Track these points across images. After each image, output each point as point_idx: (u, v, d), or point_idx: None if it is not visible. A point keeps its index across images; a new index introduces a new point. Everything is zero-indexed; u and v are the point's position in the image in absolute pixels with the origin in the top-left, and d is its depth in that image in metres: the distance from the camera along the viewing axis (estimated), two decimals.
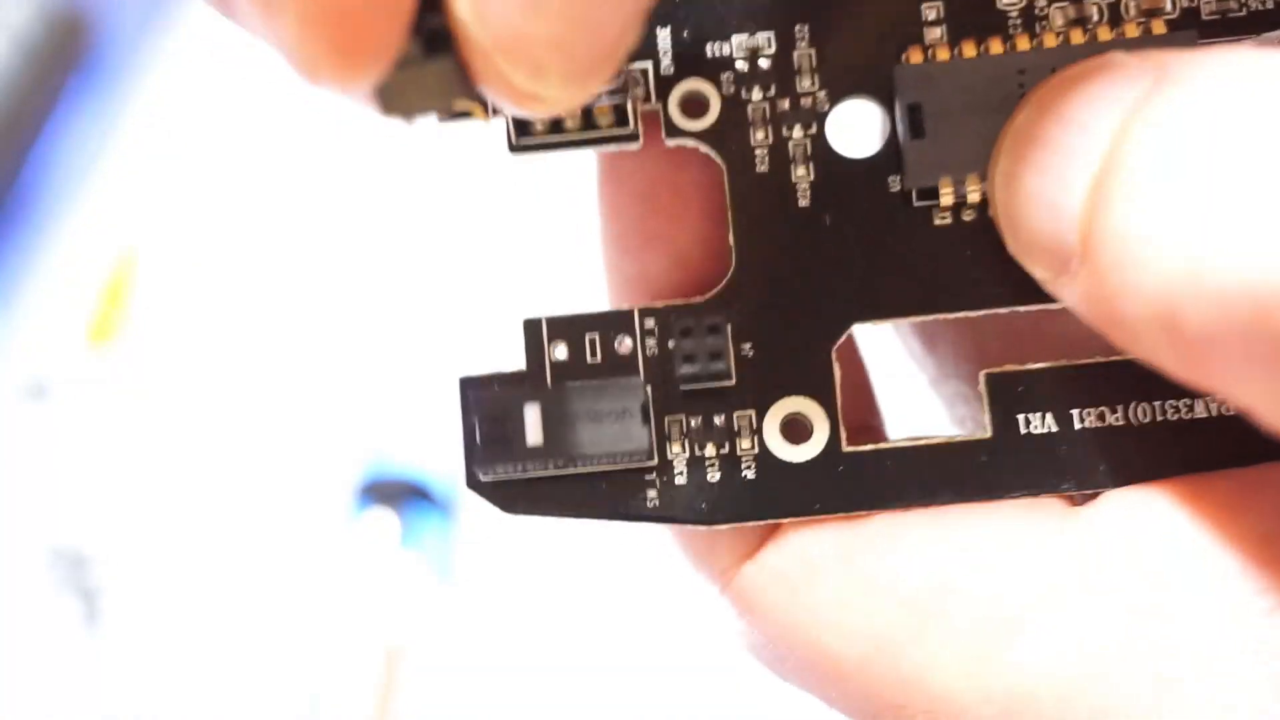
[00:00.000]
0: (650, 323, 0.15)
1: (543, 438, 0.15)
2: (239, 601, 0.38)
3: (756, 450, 0.15)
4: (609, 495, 0.15)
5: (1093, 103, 0.12)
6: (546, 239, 0.48)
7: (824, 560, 0.14)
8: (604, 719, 0.34)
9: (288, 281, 0.48)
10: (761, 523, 0.14)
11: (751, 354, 0.15)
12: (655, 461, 0.15)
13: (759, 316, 0.15)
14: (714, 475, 0.15)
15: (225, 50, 0.58)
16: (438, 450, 0.39)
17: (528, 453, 0.15)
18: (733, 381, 0.15)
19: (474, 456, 0.15)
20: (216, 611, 0.37)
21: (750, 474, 0.15)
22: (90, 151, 0.54)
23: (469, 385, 0.15)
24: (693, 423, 0.15)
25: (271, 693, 0.35)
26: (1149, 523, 0.13)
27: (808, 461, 0.14)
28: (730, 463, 0.15)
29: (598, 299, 0.16)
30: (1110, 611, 0.12)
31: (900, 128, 0.14)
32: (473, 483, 0.15)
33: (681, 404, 0.15)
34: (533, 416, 0.15)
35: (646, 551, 0.38)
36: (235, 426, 0.43)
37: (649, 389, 0.15)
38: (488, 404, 0.15)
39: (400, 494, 0.37)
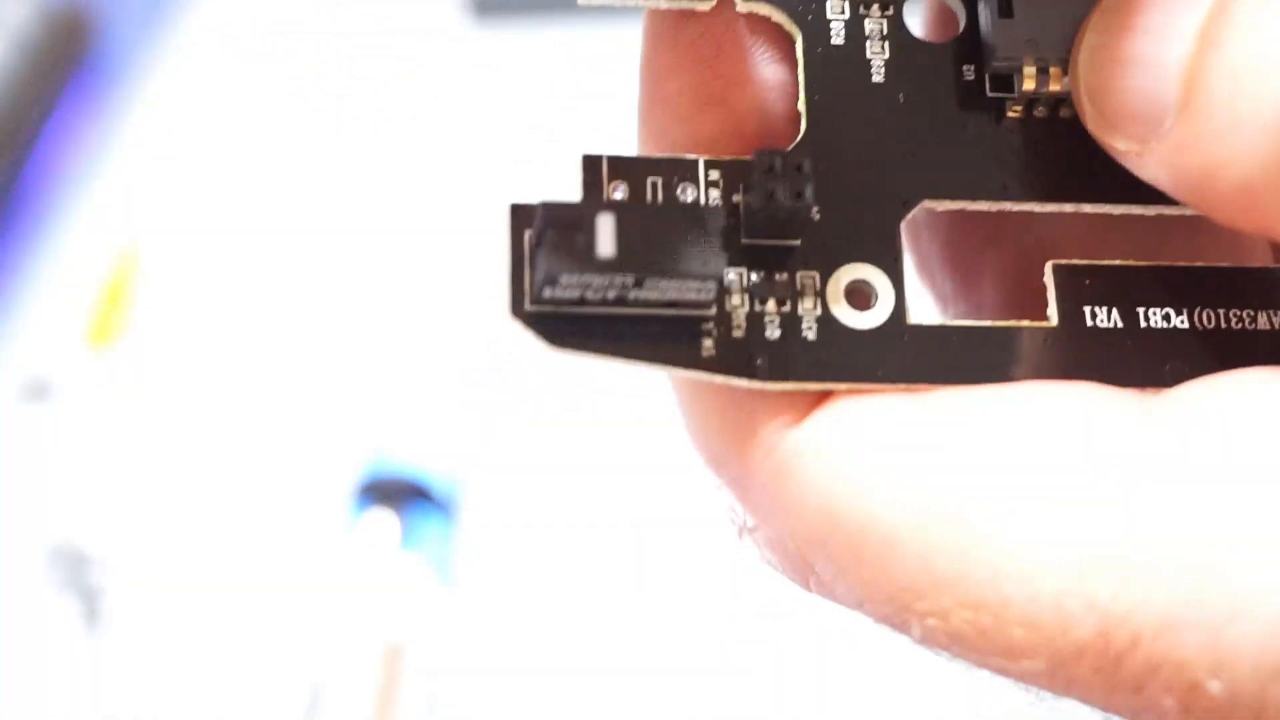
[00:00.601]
0: (715, 174, 0.14)
1: (615, 250, 0.13)
2: (239, 602, 0.38)
3: (819, 311, 0.14)
4: (662, 340, 0.14)
5: None
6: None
7: (881, 427, 0.14)
8: (604, 719, 0.34)
9: (288, 281, 0.48)
10: (818, 386, 0.14)
11: (819, 217, 0.14)
12: (714, 312, 0.14)
13: (828, 180, 0.14)
14: (773, 332, 0.14)
15: (228, 48, 0.58)
16: (438, 450, 0.39)
17: (597, 264, 0.13)
18: (798, 241, 0.14)
19: (527, 275, 0.14)
20: (216, 611, 0.37)
21: (811, 335, 0.14)
22: (90, 151, 0.54)
23: (519, 210, 0.14)
24: (754, 277, 0.14)
25: (271, 693, 0.35)
26: (1241, 398, 0.13)
27: (871, 329, 0.14)
28: (791, 321, 0.14)
29: None
30: (1213, 478, 0.12)
31: (986, 7, 0.14)
32: (517, 311, 0.14)
33: (744, 258, 0.14)
34: (606, 226, 0.13)
35: (647, 551, 0.39)
36: (235, 426, 0.43)
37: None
38: (553, 213, 0.14)
39: (400, 494, 0.37)
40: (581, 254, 0.13)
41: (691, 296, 0.14)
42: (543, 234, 0.14)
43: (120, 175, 0.52)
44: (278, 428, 0.42)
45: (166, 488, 0.41)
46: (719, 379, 0.14)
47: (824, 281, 0.14)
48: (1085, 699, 0.13)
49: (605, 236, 0.13)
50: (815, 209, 0.14)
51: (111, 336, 0.46)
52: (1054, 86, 0.14)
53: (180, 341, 0.46)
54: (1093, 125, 0.14)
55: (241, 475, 0.41)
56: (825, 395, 0.14)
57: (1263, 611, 0.11)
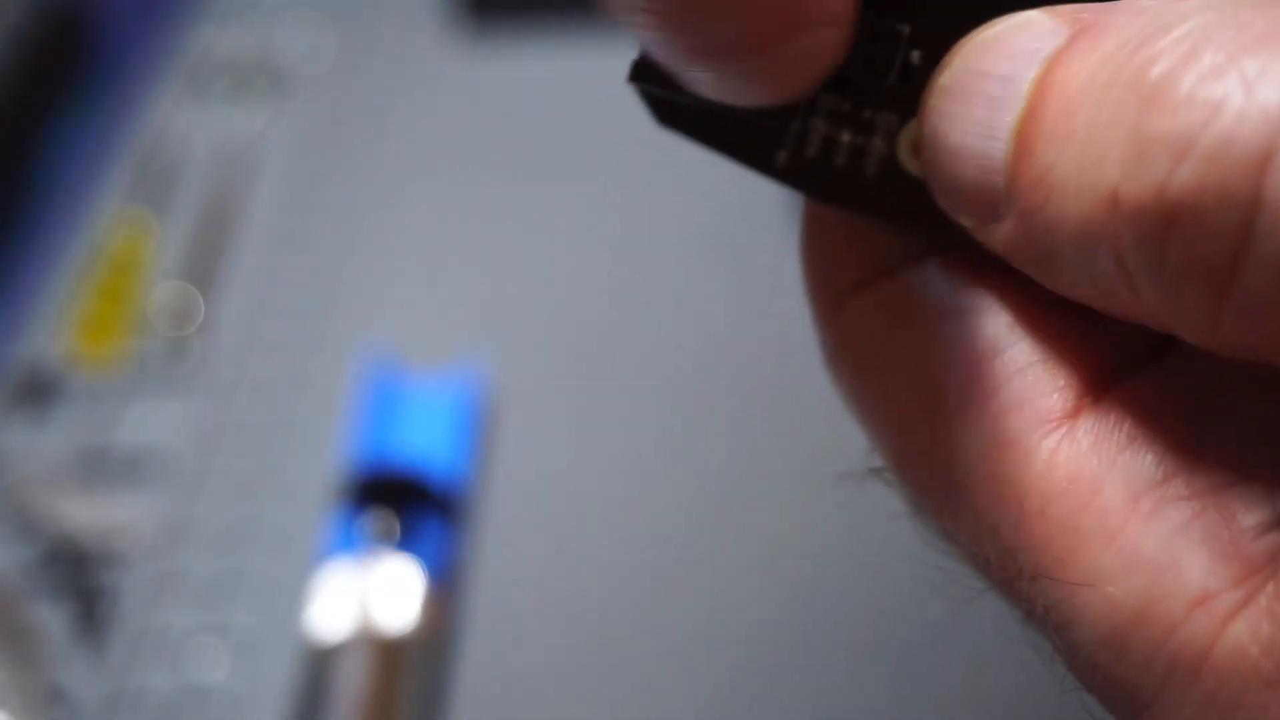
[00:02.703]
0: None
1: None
2: (239, 602, 0.37)
3: (885, 152, 0.15)
4: (749, 140, 0.16)
5: (1014, 57, 0.13)
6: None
7: (915, 308, 0.15)
8: (604, 719, 0.34)
9: (288, 280, 0.48)
10: (861, 215, 0.15)
11: (918, 62, 0.15)
12: (797, 126, 0.15)
13: (940, 30, 0.15)
14: (840, 159, 0.15)
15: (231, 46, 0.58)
16: (438, 450, 0.39)
17: (668, 83, 0.15)
18: (890, 82, 0.15)
19: (639, 60, 0.16)
20: (216, 612, 0.37)
21: (872, 171, 0.15)
22: (90, 151, 0.54)
23: None
24: (843, 107, 0.15)
25: (271, 693, 0.35)
26: None
27: (921, 178, 0.15)
28: (858, 154, 0.15)
29: None
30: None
31: None
32: (636, 78, 0.16)
33: (839, 85, 0.15)
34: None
35: (647, 552, 0.39)
36: (235, 426, 0.43)
37: None
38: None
39: (400, 494, 0.37)
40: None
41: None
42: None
43: (120, 175, 0.52)
44: (278, 427, 0.42)
45: (166, 487, 0.41)
46: (781, 184, 0.16)
47: (900, 126, 0.15)
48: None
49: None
50: (917, 54, 0.15)
51: (111, 336, 0.46)
52: None
53: (180, 340, 0.45)
54: (942, 203, 0.14)
55: (241, 475, 0.41)
56: (893, 270, 0.15)
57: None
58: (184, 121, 0.54)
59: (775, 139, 0.16)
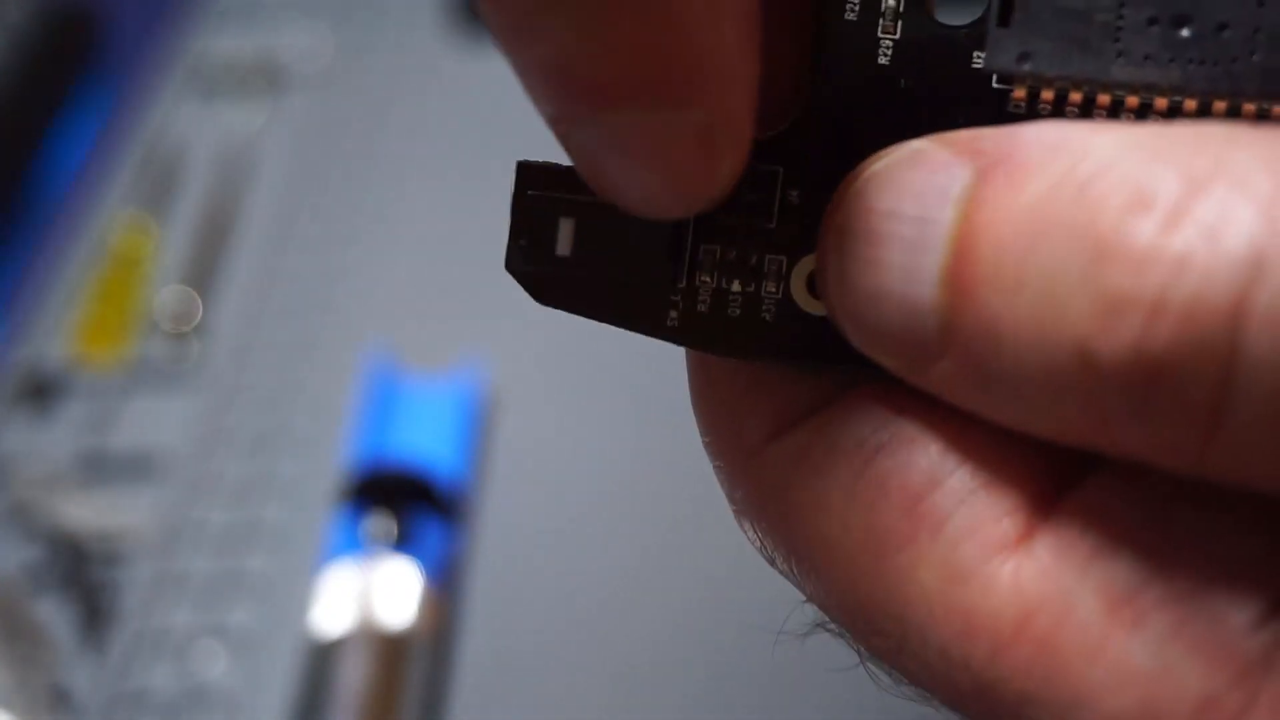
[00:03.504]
0: None
1: (570, 250, 0.15)
2: (239, 602, 0.38)
3: (780, 295, 0.15)
4: (635, 306, 0.15)
5: (920, 195, 0.13)
6: None
7: (842, 449, 0.14)
8: (604, 719, 0.35)
9: (288, 280, 0.48)
10: (765, 362, 0.15)
11: (798, 201, 0.15)
12: (684, 284, 0.15)
13: (813, 166, 0.15)
14: (735, 311, 0.15)
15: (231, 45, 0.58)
16: (438, 450, 0.39)
17: (555, 260, 0.15)
18: (773, 224, 0.15)
19: (510, 248, 0.15)
20: (216, 611, 0.37)
21: (769, 317, 0.15)
22: (91, 151, 0.54)
23: (524, 169, 0.16)
24: (727, 256, 0.15)
25: (271, 693, 0.35)
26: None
27: (823, 316, 0.14)
28: (752, 302, 0.15)
29: None
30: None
31: (990, 10, 0.14)
32: (510, 267, 0.15)
33: (719, 235, 0.15)
34: (566, 229, 0.15)
35: (648, 551, 0.39)
36: (235, 426, 0.43)
37: (682, 223, 0.15)
38: (525, 204, 0.15)
39: (400, 494, 0.37)
40: (543, 249, 0.15)
41: (650, 283, 0.15)
42: (513, 222, 0.15)
43: (120, 175, 0.52)
44: (277, 427, 0.43)
45: (165, 487, 0.41)
46: (681, 346, 0.15)
47: (789, 267, 0.15)
48: None
49: (564, 239, 0.15)
50: (795, 193, 0.15)
51: (111, 336, 0.46)
52: (1047, 94, 0.14)
53: (179, 340, 0.46)
54: (858, 344, 0.14)
55: (240, 475, 0.41)
56: (808, 415, 0.15)
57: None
58: (184, 122, 0.54)
59: (663, 300, 0.15)
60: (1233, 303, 0.11)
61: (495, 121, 0.54)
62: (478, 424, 0.41)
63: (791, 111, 0.15)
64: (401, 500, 0.37)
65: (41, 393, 0.44)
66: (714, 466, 0.16)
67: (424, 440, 0.39)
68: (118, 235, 0.49)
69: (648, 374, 0.43)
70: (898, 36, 0.14)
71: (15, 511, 0.40)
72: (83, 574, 0.38)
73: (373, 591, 0.35)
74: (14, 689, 0.34)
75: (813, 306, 0.15)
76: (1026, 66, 0.14)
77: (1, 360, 0.45)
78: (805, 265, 0.15)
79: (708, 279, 0.15)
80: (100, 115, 0.56)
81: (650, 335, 0.15)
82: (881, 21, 0.14)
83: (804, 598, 0.15)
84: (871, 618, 0.14)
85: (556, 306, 0.16)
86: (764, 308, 0.15)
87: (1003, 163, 0.12)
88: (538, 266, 0.15)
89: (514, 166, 0.16)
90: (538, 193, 0.15)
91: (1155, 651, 0.12)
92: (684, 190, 0.13)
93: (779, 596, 0.38)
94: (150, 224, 0.50)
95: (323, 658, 0.34)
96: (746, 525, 0.16)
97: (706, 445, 0.16)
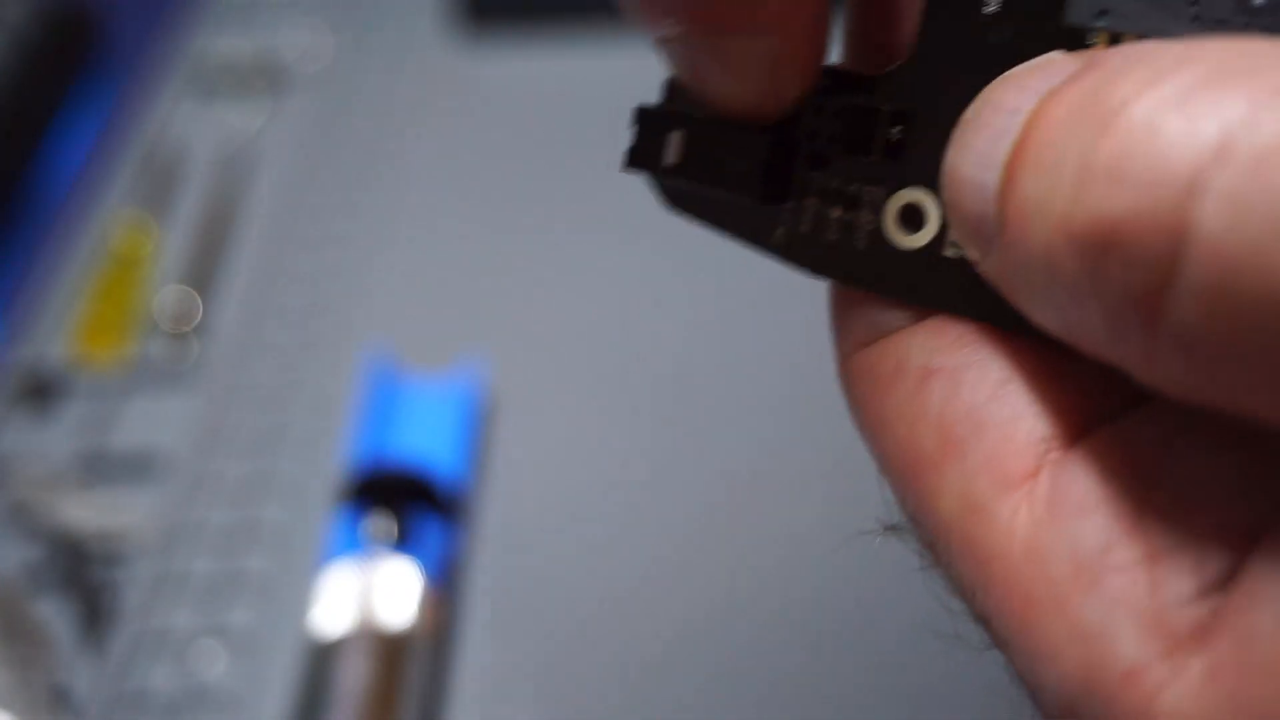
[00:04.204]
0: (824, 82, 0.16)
1: (678, 159, 0.17)
2: (239, 602, 0.38)
3: (872, 226, 0.16)
4: (749, 220, 0.17)
5: (1023, 91, 0.13)
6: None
7: (905, 369, 0.15)
8: (604, 718, 0.35)
9: (288, 281, 0.48)
10: (848, 286, 0.16)
11: (899, 138, 0.16)
12: (791, 205, 0.16)
13: (918, 105, 0.15)
14: (832, 235, 0.16)
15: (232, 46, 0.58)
16: (438, 450, 0.39)
17: (665, 169, 0.17)
18: (874, 158, 0.16)
19: (627, 152, 0.17)
20: (217, 611, 0.38)
21: (861, 245, 0.16)
22: (92, 151, 0.54)
23: (641, 109, 0.17)
24: (831, 184, 0.16)
25: (272, 692, 0.35)
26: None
27: (910, 250, 0.15)
28: (848, 229, 0.16)
29: None
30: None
31: None
32: (627, 168, 0.17)
33: (825, 164, 0.16)
34: (676, 140, 0.17)
35: (648, 551, 0.39)
36: (235, 427, 0.43)
37: (772, 144, 0.16)
38: (643, 115, 0.17)
39: (400, 494, 0.37)
40: (655, 158, 0.17)
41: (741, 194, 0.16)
42: (633, 133, 0.17)
43: (121, 175, 0.52)
44: (277, 427, 0.43)
45: (164, 487, 0.41)
46: (780, 260, 0.17)
47: (885, 199, 0.16)
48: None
49: (674, 148, 0.17)
50: (898, 130, 0.16)
51: (111, 336, 0.46)
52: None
53: (179, 339, 0.46)
54: (955, 236, 0.15)
55: (240, 475, 0.41)
56: (898, 330, 0.16)
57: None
58: (184, 122, 0.54)
59: (773, 217, 0.16)
60: (1188, 179, 0.11)
61: (495, 121, 0.54)
62: (478, 424, 0.41)
63: (902, 53, 0.16)
64: (401, 500, 0.37)
65: (41, 393, 0.44)
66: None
67: (424, 440, 0.39)
68: (118, 235, 0.49)
69: (647, 374, 0.43)
70: None
71: (15, 511, 0.40)
72: (83, 574, 0.38)
73: (373, 591, 0.35)
74: (14, 689, 0.34)
75: (902, 240, 0.15)
76: (1103, 22, 0.14)
77: (1, 360, 0.46)
78: (900, 198, 0.16)
79: (812, 203, 0.16)
80: (100, 115, 0.56)
81: (758, 248, 0.17)
82: None
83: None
84: (918, 530, 0.15)
85: (674, 210, 0.17)
86: (858, 236, 0.16)
87: (1092, 63, 0.13)
88: (650, 172, 0.17)
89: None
90: (654, 106, 0.17)
91: (1103, 616, 0.12)
92: (755, 100, 0.16)
93: (779, 596, 0.39)
94: (150, 224, 0.50)
95: (323, 658, 0.34)
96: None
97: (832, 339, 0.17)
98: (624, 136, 0.17)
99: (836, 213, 0.16)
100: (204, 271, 0.48)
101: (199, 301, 0.47)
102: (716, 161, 0.16)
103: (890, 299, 0.16)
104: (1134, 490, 0.13)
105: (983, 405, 0.14)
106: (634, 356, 0.44)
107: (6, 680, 0.34)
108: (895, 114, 0.16)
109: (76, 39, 0.58)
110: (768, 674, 0.35)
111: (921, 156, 0.15)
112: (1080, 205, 0.12)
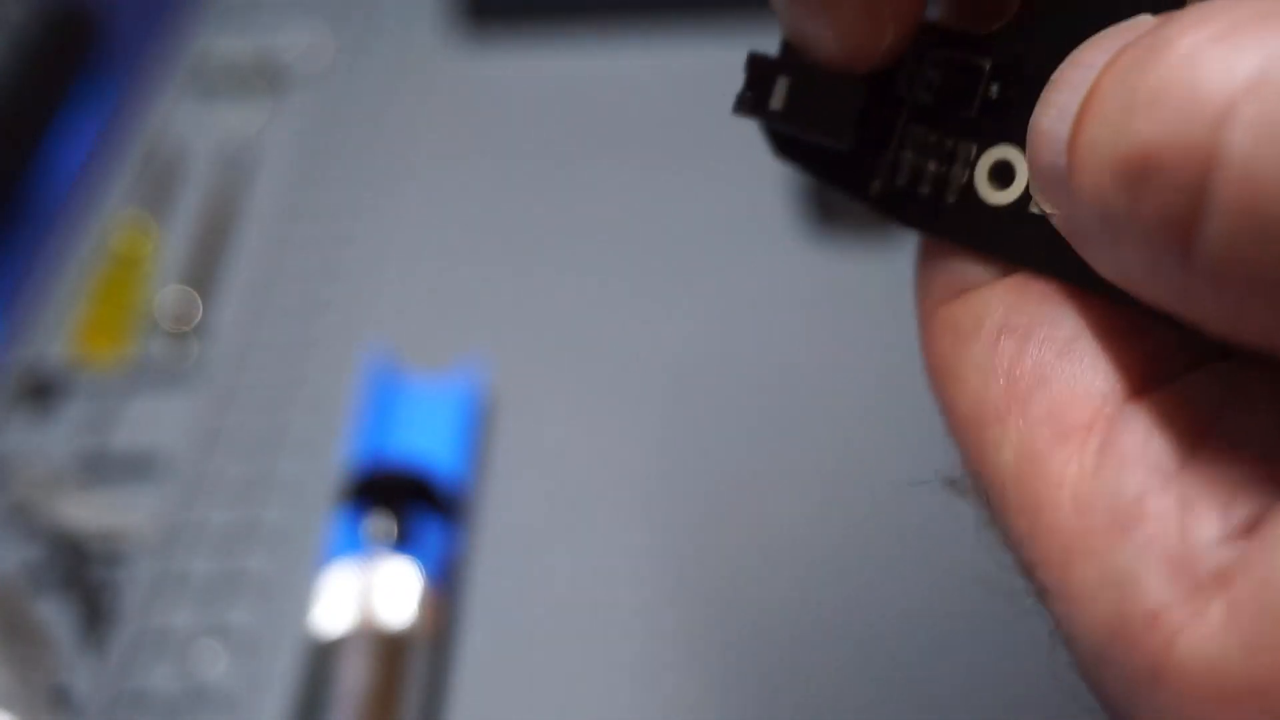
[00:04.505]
0: (924, 38, 0.17)
1: (783, 105, 0.17)
2: (239, 602, 0.38)
3: (964, 180, 0.16)
4: (846, 170, 0.17)
5: (1105, 47, 0.14)
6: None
7: (983, 324, 0.15)
8: (602, 718, 0.35)
9: (288, 280, 0.48)
10: (942, 239, 0.16)
11: (997, 96, 0.16)
12: (890, 158, 0.17)
13: (1019, 62, 0.16)
14: (925, 188, 0.16)
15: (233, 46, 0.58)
16: (438, 450, 0.39)
17: (771, 113, 0.17)
18: (972, 114, 0.16)
19: (738, 97, 0.18)
20: (217, 612, 0.38)
21: (952, 199, 0.16)
22: (92, 151, 0.54)
23: (753, 56, 0.18)
24: (929, 138, 0.16)
25: (272, 693, 0.35)
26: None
27: (999, 206, 0.16)
28: (941, 183, 0.16)
29: None
30: None
31: None
32: (736, 111, 0.18)
33: (926, 117, 0.17)
34: (781, 86, 0.17)
35: (648, 551, 0.39)
36: (235, 426, 0.43)
37: (870, 91, 0.17)
38: (754, 60, 0.17)
39: (400, 494, 0.37)
40: (763, 102, 0.17)
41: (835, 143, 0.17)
42: (745, 79, 0.18)
43: (122, 176, 0.52)
44: (277, 427, 0.43)
45: (164, 487, 0.41)
46: (875, 211, 0.17)
47: (977, 155, 0.16)
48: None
49: (779, 95, 0.17)
50: (996, 87, 0.16)
51: (111, 337, 0.46)
52: None
53: (179, 339, 0.46)
54: (1036, 196, 0.15)
55: (240, 475, 0.41)
56: (979, 285, 0.16)
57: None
58: (184, 122, 0.54)
59: (870, 169, 0.17)
60: (1223, 105, 0.11)
61: (495, 121, 0.54)
62: (478, 424, 0.41)
63: (1007, 13, 0.16)
64: (401, 500, 0.37)
65: (41, 393, 0.44)
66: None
67: (424, 440, 0.39)
68: (118, 235, 0.49)
69: (649, 374, 0.43)
70: None
71: (15, 511, 0.40)
72: (83, 574, 0.38)
73: (373, 591, 0.35)
74: (14, 689, 0.34)
75: (992, 196, 0.16)
76: None
77: (1, 360, 0.46)
78: (993, 154, 0.16)
79: (909, 156, 0.17)
80: (100, 115, 0.56)
81: (854, 198, 0.17)
82: None
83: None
84: (977, 484, 0.15)
85: (782, 157, 0.18)
86: (950, 190, 0.16)
87: (1162, 21, 0.13)
88: (757, 115, 0.17)
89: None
90: (764, 54, 0.18)
91: (1133, 560, 0.13)
92: (853, 48, 0.16)
93: (779, 595, 0.39)
94: (150, 224, 0.50)
95: (323, 658, 0.34)
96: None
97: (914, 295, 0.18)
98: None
99: (931, 166, 0.16)
100: (204, 271, 0.48)
101: (199, 301, 0.47)
102: (816, 108, 0.17)
103: (976, 254, 0.16)
104: (1178, 444, 0.13)
105: (1051, 361, 0.14)
106: (635, 356, 0.44)
107: (6, 680, 0.34)
108: (995, 70, 0.16)
109: (76, 39, 0.58)
110: (768, 674, 0.35)
111: (1016, 115, 0.16)
112: (1123, 136, 0.12)
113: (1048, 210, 0.14)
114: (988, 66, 0.16)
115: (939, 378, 0.16)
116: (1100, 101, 0.13)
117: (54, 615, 0.37)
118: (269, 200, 0.51)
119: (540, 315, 0.45)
